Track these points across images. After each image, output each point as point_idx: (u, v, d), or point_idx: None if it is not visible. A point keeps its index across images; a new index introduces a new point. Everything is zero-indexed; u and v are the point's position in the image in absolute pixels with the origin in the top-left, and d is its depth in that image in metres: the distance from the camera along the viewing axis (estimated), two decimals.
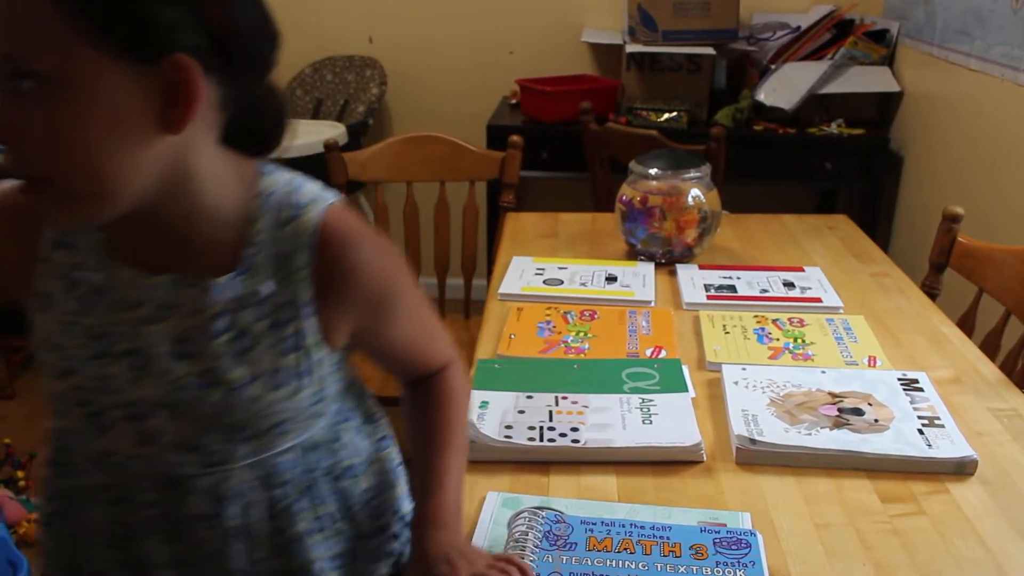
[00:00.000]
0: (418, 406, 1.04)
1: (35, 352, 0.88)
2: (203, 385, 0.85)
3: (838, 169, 3.08)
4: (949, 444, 1.20)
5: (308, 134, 3.02)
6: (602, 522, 1.04)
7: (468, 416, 1.09)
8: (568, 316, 1.60)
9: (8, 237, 0.87)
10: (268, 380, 0.86)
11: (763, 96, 3.09)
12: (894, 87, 3.08)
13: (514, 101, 3.36)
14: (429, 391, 1.04)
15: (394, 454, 1.07)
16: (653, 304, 1.68)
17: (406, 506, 1.06)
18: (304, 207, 0.86)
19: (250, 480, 0.90)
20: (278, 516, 0.92)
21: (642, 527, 1.04)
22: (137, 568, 0.92)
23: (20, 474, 2.60)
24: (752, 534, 1.03)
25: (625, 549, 1.00)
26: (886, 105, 3.23)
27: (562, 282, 1.75)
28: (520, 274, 1.79)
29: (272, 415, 0.87)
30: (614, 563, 0.98)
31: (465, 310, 2.49)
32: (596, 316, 1.60)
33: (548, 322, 1.57)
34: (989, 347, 1.70)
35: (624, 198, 1.88)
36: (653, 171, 1.84)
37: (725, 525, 1.05)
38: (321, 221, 0.85)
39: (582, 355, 1.46)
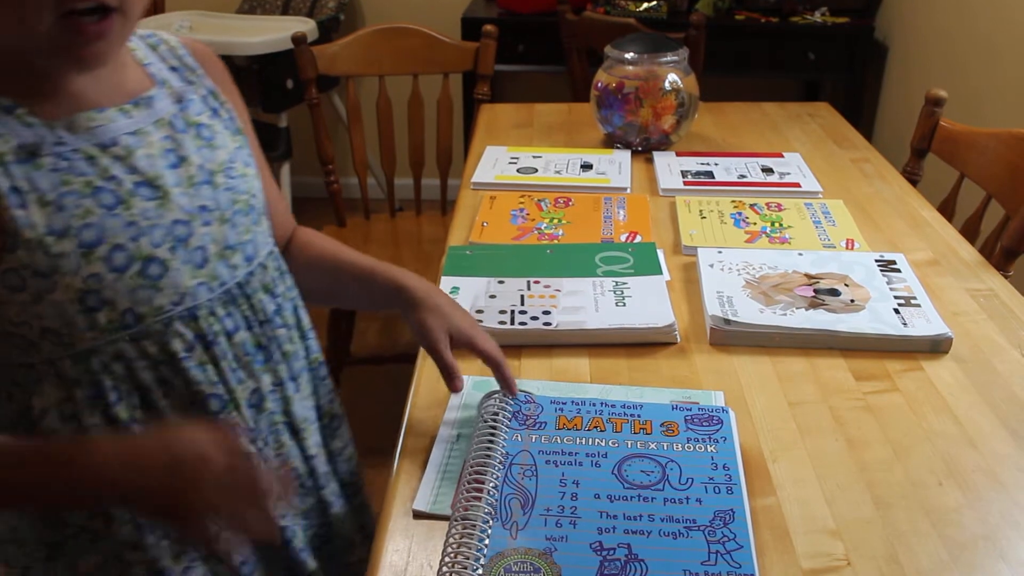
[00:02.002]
0: (306, 254, 1.08)
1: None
2: (207, 182, 0.87)
3: (822, 59, 3.02)
4: (924, 323, 1.19)
5: (276, 29, 2.93)
6: (572, 401, 1.03)
7: None
8: (542, 203, 1.57)
9: None
10: (241, 158, 0.92)
11: None
12: None
13: None
14: (305, 238, 1.10)
15: None
16: (629, 191, 1.64)
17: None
18: (155, 35, 0.93)
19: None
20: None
21: (612, 406, 1.02)
22: None
23: None
24: (724, 411, 1.02)
25: (595, 427, 0.99)
26: None
27: (536, 170, 1.71)
28: (494, 163, 1.75)
29: (258, 197, 0.94)
30: (583, 440, 0.97)
31: (441, 206, 2.45)
32: (571, 203, 1.57)
33: (521, 210, 1.54)
34: (969, 231, 1.68)
35: (600, 84, 1.82)
36: (629, 55, 1.79)
37: (697, 403, 1.04)
38: (179, 38, 0.95)
39: (556, 241, 1.43)
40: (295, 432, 0.97)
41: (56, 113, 0.79)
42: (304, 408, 0.99)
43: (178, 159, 0.85)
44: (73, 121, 0.79)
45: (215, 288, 0.87)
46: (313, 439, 1.00)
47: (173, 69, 0.91)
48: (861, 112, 3.10)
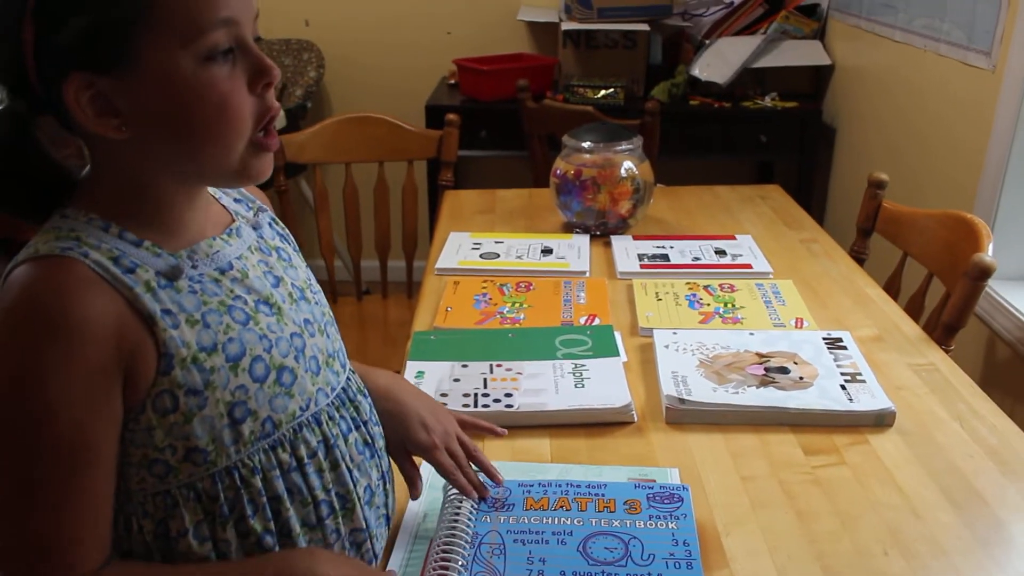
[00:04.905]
0: None
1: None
2: (302, 298, 0.93)
3: (773, 142, 3.13)
4: (870, 398, 1.25)
5: None
6: (539, 484, 1.07)
7: None
8: (504, 288, 1.62)
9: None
10: (311, 275, 0.98)
11: (698, 71, 3.13)
12: (825, 60, 3.15)
13: (452, 81, 3.37)
14: None
15: None
16: (588, 274, 1.71)
17: None
18: None
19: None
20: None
21: (577, 485, 1.07)
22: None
23: None
24: (684, 488, 1.06)
25: (561, 507, 1.03)
26: (818, 78, 3.29)
27: (498, 255, 1.77)
28: (457, 249, 1.81)
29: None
30: (550, 520, 1.01)
31: (407, 288, 2.50)
32: (532, 287, 1.63)
33: (484, 294, 1.60)
34: (914, 308, 1.76)
35: (558, 172, 1.90)
36: (586, 144, 1.87)
37: (655, 481, 1.08)
38: None
39: (517, 325, 1.49)
40: (388, 521, 1.00)
41: (176, 245, 0.82)
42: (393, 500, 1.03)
43: (276, 279, 0.90)
44: (195, 250, 0.83)
45: (329, 393, 0.91)
46: None
47: (237, 201, 0.95)
48: (812, 192, 3.22)
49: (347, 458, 0.91)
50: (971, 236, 1.63)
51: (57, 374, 0.72)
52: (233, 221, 0.90)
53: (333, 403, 0.91)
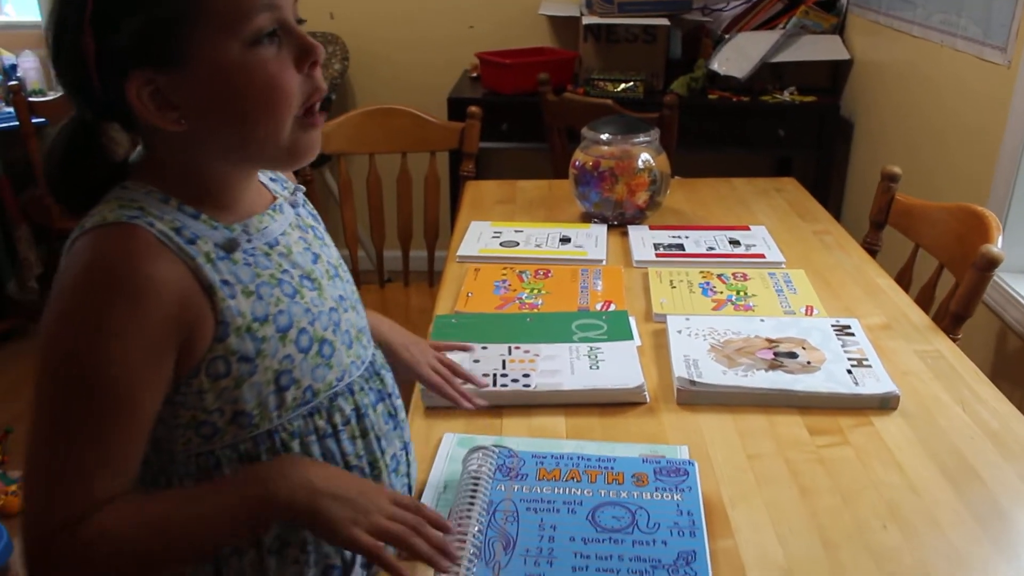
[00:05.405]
0: None
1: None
2: (336, 275, 0.99)
3: (791, 136, 3.16)
4: (875, 382, 1.29)
5: None
6: (551, 455, 1.12)
7: None
8: (523, 275, 1.68)
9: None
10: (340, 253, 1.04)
11: (717, 65, 3.16)
12: (844, 55, 3.17)
13: (475, 74, 3.42)
14: None
15: None
16: (604, 263, 1.76)
17: None
18: None
19: None
20: None
21: (588, 459, 1.12)
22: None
23: None
24: (690, 463, 1.11)
25: (572, 478, 1.08)
26: (837, 72, 3.32)
27: (518, 244, 1.83)
28: (478, 237, 1.86)
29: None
30: (561, 490, 1.06)
31: (429, 277, 2.56)
32: (550, 275, 1.68)
33: (504, 281, 1.65)
34: (924, 299, 1.79)
35: (577, 163, 1.95)
36: (604, 136, 1.92)
37: (664, 456, 1.13)
38: None
39: (535, 310, 1.54)
40: (411, 491, 1.06)
41: (229, 219, 0.88)
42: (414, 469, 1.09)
43: (314, 256, 0.95)
44: (248, 224, 0.89)
45: (360, 366, 0.98)
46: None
47: (273, 180, 1.00)
48: (830, 186, 3.25)
49: (375, 427, 0.97)
50: (981, 228, 1.67)
51: (123, 332, 0.77)
52: (274, 199, 0.95)
53: (364, 375, 0.97)
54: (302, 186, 1.04)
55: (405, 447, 1.03)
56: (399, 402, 1.04)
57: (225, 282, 0.83)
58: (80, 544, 0.79)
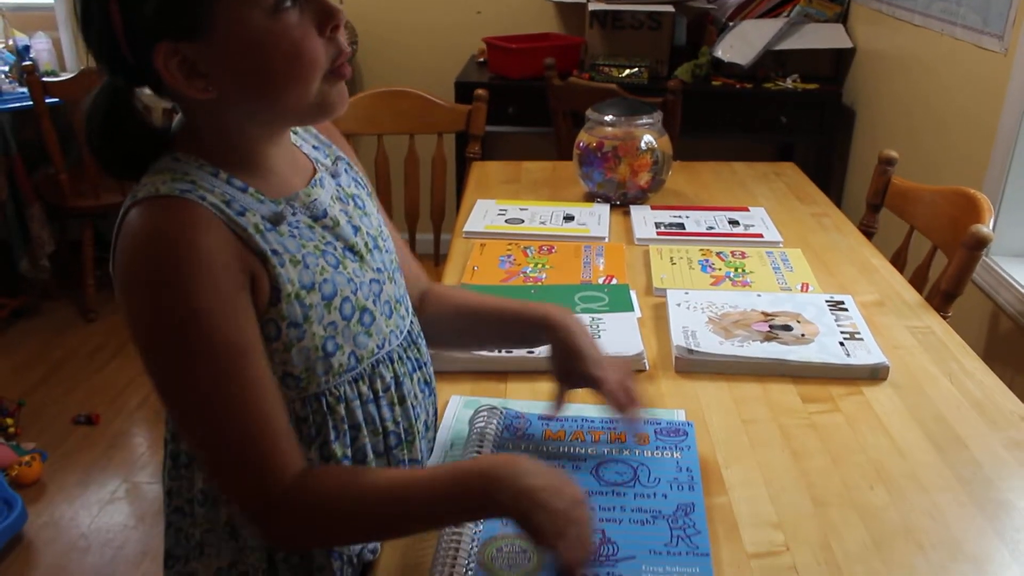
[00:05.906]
0: (447, 305, 1.21)
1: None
2: (376, 247, 1.01)
3: (793, 123, 3.21)
4: (866, 354, 1.34)
5: None
6: (556, 418, 1.17)
7: None
8: (527, 251, 1.72)
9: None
10: (382, 222, 1.07)
11: (721, 52, 3.20)
12: (847, 43, 3.21)
13: (482, 59, 3.46)
14: (442, 291, 1.24)
15: None
16: (607, 240, 1.81)
17: None
18: None
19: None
20: None
21: (591, 420, 1.17)
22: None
23: (9, 421, 2.72)
24: (688, 424, 1.17)
25: (576, 438, 1.14)
26: (839, 61, 3.36)
27: (523, 221, 1.87)
28: (484, 214, 1.91)
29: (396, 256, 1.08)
30: (567, 449, 1.11)
31: (435, 258, 2.61)
32: (554, 250, 1.73)
33: (509, 256, 1.70)
34: (918, 279, 1.84)
35: (581, 144, 2.00)
36: (608, 117, 1.96)
37: (663, 419, 1.18)
38: None
39: (539, 283, 1.59)
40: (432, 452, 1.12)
41: (274, 192, 0.92)
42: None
43: (354, 228, 0.98)
44: (294, 197, 0.93)
45: (398, 335, 1.02)
46: None
47: (315, 148, 1.02)
48: (831, 172, 3.29)
49: (412, 395, 1.02)
50: (973, 210, 1.71)
51: (201, 286, 0.80)
52: (315, 172, 0.98)
53: (402, 344, 1.02)
54: (343, 155, 1.06)
55: (433, 413, 1.10)
56: (431, 371, 1.10)
57: (275, 251, 0.87)
58: (312, 496, 0.86)
